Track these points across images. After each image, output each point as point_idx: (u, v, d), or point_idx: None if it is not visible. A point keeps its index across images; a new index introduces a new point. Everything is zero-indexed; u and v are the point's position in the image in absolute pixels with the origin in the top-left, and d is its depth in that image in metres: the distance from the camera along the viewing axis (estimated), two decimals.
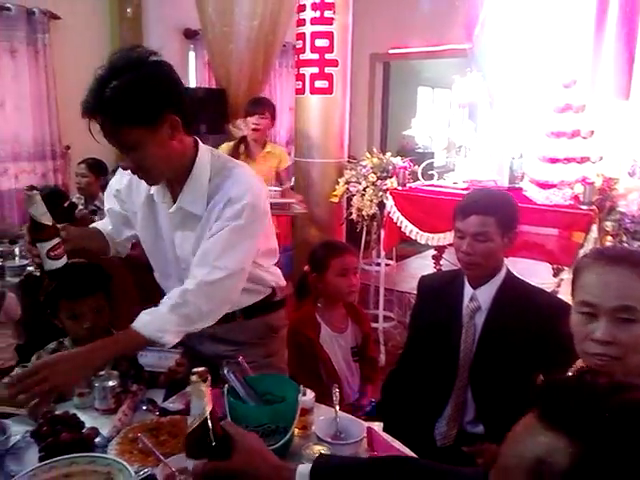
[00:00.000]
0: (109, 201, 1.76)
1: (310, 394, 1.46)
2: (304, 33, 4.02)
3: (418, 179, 3.74)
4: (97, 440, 1.35)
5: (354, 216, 3.79)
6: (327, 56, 3.99)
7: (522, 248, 2.83)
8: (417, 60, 7.30)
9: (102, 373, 1.55)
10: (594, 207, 2.92)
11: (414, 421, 1.82)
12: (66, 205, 3.66)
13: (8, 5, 4.16)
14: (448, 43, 5.58)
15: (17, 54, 4.27)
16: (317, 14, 3.94)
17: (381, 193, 3.64)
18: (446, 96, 8.47)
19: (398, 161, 3.76)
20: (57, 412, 1.42)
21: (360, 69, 6.26)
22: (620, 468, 0.54)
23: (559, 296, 2.11)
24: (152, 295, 1.63)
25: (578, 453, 0.55)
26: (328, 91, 4.04)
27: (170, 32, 5.25)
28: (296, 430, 1.37)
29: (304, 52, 4.05)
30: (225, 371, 1.35)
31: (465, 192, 2.57)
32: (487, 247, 1.73)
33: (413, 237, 3.50)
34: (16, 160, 4.38)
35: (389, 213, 3.58)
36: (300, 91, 4.14)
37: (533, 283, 1.87)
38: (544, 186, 3.19)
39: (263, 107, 3.94)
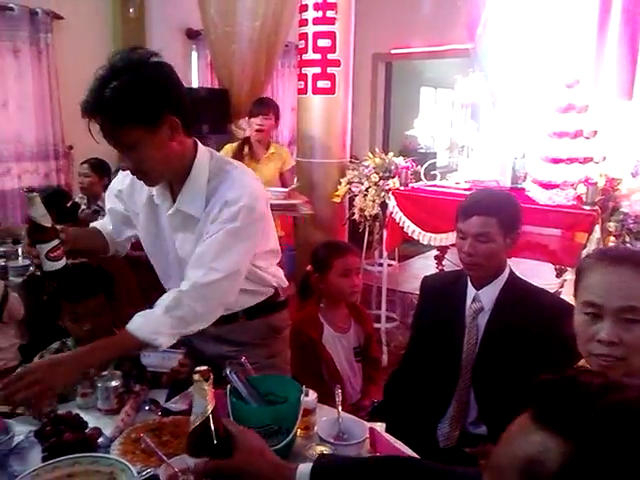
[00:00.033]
0: (110, 201, 1.76)
1: (312, 395, 1.46)
2: (306, 33, 4.02)
3: (420, 179, 3.74)
4: (100, 440, 1.36)
5: (356, 216, 3.79)
6: (329, 56, 3.99)
7: (525, 249, 2.83)
8: (419, 60, 7.30)
9: (105, 373, 1.56)
10: (597, 207, 2.92)
11: (417, 422, 1.82)
12: (69, 205, 3.67)
13: (11, 5, 4.17)
14: (450, 43, 5.58)
15: (20, 54, 4.28)
16: (319, 14, 3.94)
17: (383, 193, 3.64)
18: (448, 96, 8.45)
19: (400, 161, 3.76)
20: (60, 412, 1.42)
21: (362, 69, 6.25)
22: (611, 467, 0.54)
23: (562, 297, 2.11)
24: (156, 295, 1.62)
25: (570, 452, 0.56)
26: (330, 91, 4.04)
27: (173, 32, 5.26)
28: (298, 431, 1.37)
29: (306, 52, 4.05)
30: (228, 371, 1.35)
31: (467, 192, 2.57)
32: (489, 248, 1.72)
33: (415, 237, 3.50)
34: (19, 160, 4.39)
35: (391, 213, 3.58)
36: (302, 91, 4.14)
37: (536, 284, 1.87)
38: (547, 186, 3.19)
39: (267, 108, 3.91)
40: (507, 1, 4.03)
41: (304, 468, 1.00)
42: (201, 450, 0.98)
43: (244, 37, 4.78)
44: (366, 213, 3.72)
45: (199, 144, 1.56)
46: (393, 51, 6.54)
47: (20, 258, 3.25)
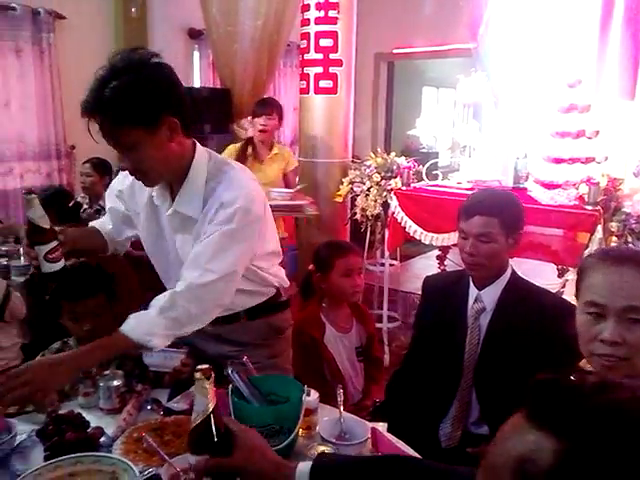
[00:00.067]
0: (111, 200, 1.76)
1: (314, 394, 1.46)
2: (308, 33, 4.03)
3: (422, 179, 3.73)
4: (102, 440, 1.36)
5: (358, 216, 3.79)
6: (331, 56, 3.99)
7: (527, 248, 2.82)
8: (421, 60, 7.30)
9: (107, 373, 1.56)
10: (599, 207, 2.92)
11: (418, 422, 1.82)
12: (71, 205, 3.68)
13: (13, 5, 4.18)
14: (452, 43, 5.58)
15: (22, 54, 4.29)
16: (321, 14, 3.94)
17: (385, 193, 3.64)
18: (450, 96, 8.44)
19: (402, 161, 3.76)
20: (62, 411, 1.43)
21: (364, 69, 6.25)
22: (602, 467, 0.55)
23: (564, 297, 2.11)
24: (158, 294, 1.63)
25: (562, 451, 0.56)
26: (332, 91, 4.04)
27: (175, 32, 5.26)
28: (300, 430, 1.37)
29: (308, 52, 4.05)
30: (229, 371, 1.35)
31: (469, 192, 2.57)
32: (491, 248, 1.72)
33: (417, 237, 3.49)
34: (21, 160, 4.40)
35: (393, 213, 3.58)
36: (304, 91, 4.14)
37: (538, 284, 1.87)
38: (549, 186, 3.19)
39: (271, 108, 3.88)
40: (509, 1, 4.03)
41: (304, 467, 1.00)
42: (202, 448, 0.99)
43: (246, 36, 4.78)
44: (368, 213, 3.72)
45: (198, 145, 1.56)
46: (395, 51, 6.54)
47: (22, 258, 3.25)
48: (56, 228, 1.52)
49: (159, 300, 1.45)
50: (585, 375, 0.63)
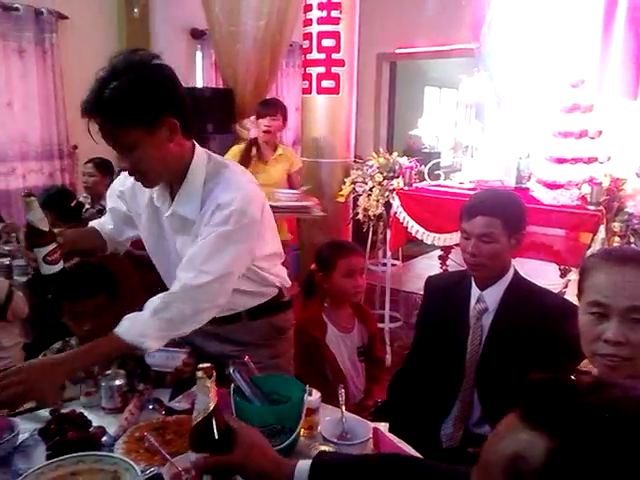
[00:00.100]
0: (112, 200, 1.76)
1: (316, 394, 1.46)
2: (311, 33, 4.03)
3: (424, 179, 3.73)
4: (104, 439, 1.36)
5: (360, 216, 3.79)
6: (334, 56, 3.99)
7: (529, 249, 2.82)
8: (424, 60, 7.30)
9: (109, 372, 1.56)
10: (602, 208, 2.91)
11: (420, 422, 1.82)
12: (73, 205, 3.68)
13: (16, 5, 4.19)
14: (455, 43, 5.57)
15: (25, 54, 4.30)
16: (324, 14, 3.94)
17: (387, 193, 3.64)
18: (453, 96, 8.44)
19: (404, 161, 3.75)
20: (64, 411, 1.43)
21: (367, 69, 6.25)
22: (593, 465, 0.55)
23: (566, 297, 2.11)
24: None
25: (554, 449, 0.56)
26: (335, 91, 4.04)
27: (177, 32, 5.27)
28: (302, 430, 1.37)
29: (311, 52, 4.05)
30: (231, 370, 1.35)
31: (472, 192, 2.57)
32: (492, 248, 1.72)
33: (419, 237, 3.49)
34: (24, 159, 4.41)
35: (395, 213, 3.58)
36: (307, 91, 4.14)
37: (540, 284, 1.86)
38: (551, 186, 3.18)
39: (275, 109, 3.86)
40: (512, 1, 4.03)
41: (304, 464, 1.00)
42: (202, 445, 0.99)
43: (248, 36, 4.78)
44: (370, 213, 3.72)
45: (197, 146, 1.55)
46: (397, 51, 6.54)
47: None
48: (55, 230, 1.52)
49: (153, 301, 1.45)
50: (581, 375, 0.64)
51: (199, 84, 5.48)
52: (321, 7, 3.94)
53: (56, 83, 4.46)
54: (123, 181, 1.69)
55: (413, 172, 3.66)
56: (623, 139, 3.36)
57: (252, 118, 4.09)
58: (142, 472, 1.19)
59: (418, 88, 8.74)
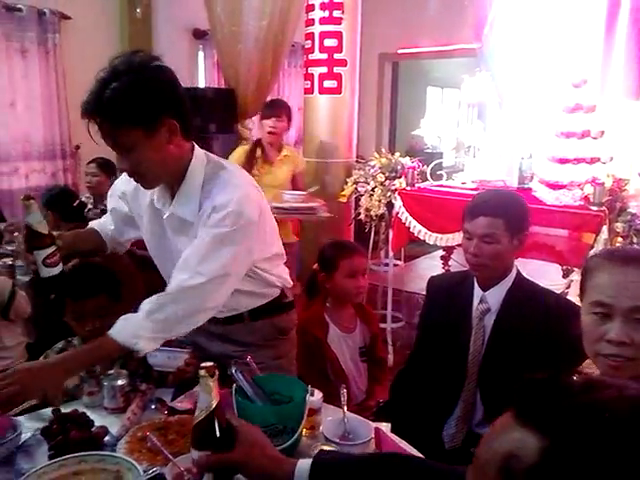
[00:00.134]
0: (113, 201, 1.75)
1: (318, 394, 1.46)
2: (313, 33, 4.03)
3: (427, 179, 3.73)
4: (106, 439, 1.36)
5: (362, 216, 3.79)
6: (336, 56, 3.99)
7: (531, 249, 2.81)
8: (426, 60, 7.30)
9: (111, 372, 1.57)
10: (604, 208, 2.91)
11: (422, 422, 1.82)
12: (75, 205, 3.68)
13: (19, 6, 4.20)
14: (457, 43, 5.57)
15: (28, 54, 4.31)
16: (326, 14, 3.94)
17: (389, 193, 3.64)
18: (455, 96, 8.44)
19: (407, 161, 3.75)
20: (66, 411, 1.43)
21: (369, 69, 6.25)
22: (584, 464, 0.55)
23: (569, 297, 2.10)
24: None
25: (546, 448, 0.57)
26: (337, 91, 4.04)
27: (179, 32, 5.27)
28: (304, 430, 1.37)
29: (313, 52, 4.05)
30: (233, 370, 1.35)
31: (474, 192, 2.56)
32: (495, 249, 1.72)
33: (421, 237, 3.49)
34: (27, 159, 4.42)
35: (397, 213, 3.58)
36: (309, 91, 4.14)
37: (542, 284, 1.86)
38: (554, 187, 3.18)
39: (280, 110, 3.82)
40: (514, 1, 4.02)
41: (304, 463, 1.01)
42: (204, 443, 1.00)
43: (250, 36, 4.78)
44: (372, 213, 3.72)
45: (196, 148, 1.55)
46: (400, 51, 6.53)
47: None
48: (54, 233, 1.52)
49: (147, 303, 1.44)
50: (576, 376, 0.64)
51: (201, 84, 5.48)
52: (323, 7, 3.94)
53: (59, 83, 4.47)
54: (125, 182, 1.69)
55: (415, 172, 3.66)
56: (626, 139, 3.36)
57: (254, 118, 4.08)
58: (144, 472, 1.19)
59: (420, 88, 8.73)
